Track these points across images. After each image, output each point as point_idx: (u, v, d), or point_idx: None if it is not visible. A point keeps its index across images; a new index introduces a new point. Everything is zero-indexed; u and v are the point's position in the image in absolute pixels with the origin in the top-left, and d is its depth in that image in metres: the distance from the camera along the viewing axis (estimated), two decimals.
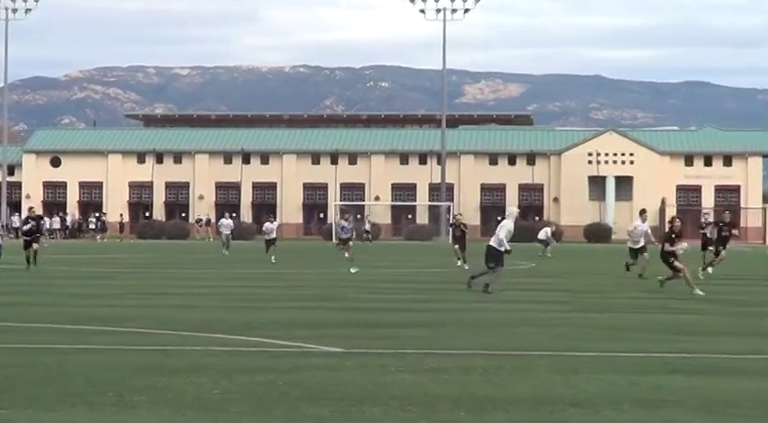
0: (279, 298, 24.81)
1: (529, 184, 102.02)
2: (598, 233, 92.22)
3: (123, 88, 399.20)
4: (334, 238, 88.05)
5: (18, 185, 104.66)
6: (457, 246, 41.18)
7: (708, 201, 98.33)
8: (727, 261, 36.25)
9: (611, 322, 19.40)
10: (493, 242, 26.89)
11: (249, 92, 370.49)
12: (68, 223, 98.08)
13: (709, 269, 33.88)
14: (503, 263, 26.74)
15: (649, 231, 34.78)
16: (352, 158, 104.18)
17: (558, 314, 20.90)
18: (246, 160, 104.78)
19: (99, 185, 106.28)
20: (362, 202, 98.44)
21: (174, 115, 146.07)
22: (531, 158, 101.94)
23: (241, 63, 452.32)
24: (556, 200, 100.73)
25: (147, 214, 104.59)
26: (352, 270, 36.59)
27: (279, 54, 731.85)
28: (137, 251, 60.02)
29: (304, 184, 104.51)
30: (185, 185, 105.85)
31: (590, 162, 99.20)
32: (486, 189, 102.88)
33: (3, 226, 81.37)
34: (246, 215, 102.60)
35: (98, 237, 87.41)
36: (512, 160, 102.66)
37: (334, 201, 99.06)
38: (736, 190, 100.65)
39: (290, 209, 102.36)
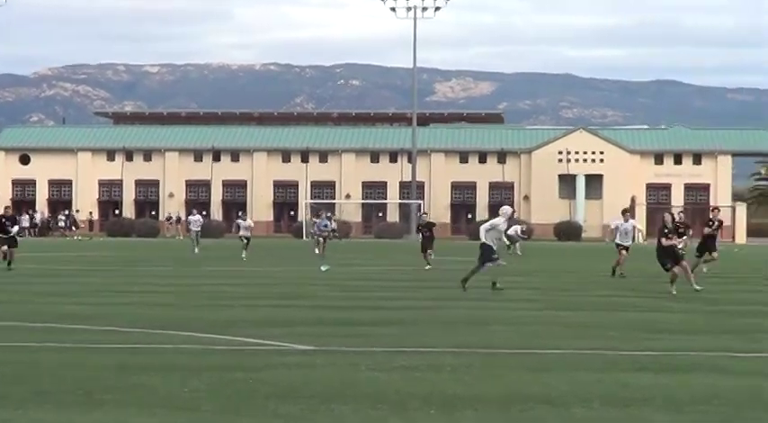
0: (249, 296, 24.78)
1: (499, 182, 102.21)
2: (568, 231, 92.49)
3: (93, 86, 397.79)
4: (305, 235, 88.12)
5: None
6: (429, 250, 39.95)
7: (677, 199, 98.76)
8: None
9: (581, 320, 19.46)
10: (487, 240, 26.76)
11: (219, 89, 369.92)
12: (37, 221, 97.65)
13: (703, 268, 33.05)
14: (490, 259, 26.66)
15: (636, 228, 34.48)
16: (323, 156, 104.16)
17: (529, 312, 20.95)
18: (217, 158, 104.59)
19: (68, 183, 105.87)
20: (333, 201, 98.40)
21: (144, 113, 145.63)
22: (501, 157, 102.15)
23: (211, 61, 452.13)
24: (526, 198, 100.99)
25: (117, 212, 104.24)
26: (323, 268, 36.58)
27: (249, 52, 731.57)
28: (106, 249, 59.79)
29: (274, 182, 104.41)
30: (155, 183, 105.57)
31: (560, 160, 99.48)
32: (456, 187, 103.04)
33: None
34: (217, 213, 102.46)
35: (75, 235, 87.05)
36: (482, 158, 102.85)
37: (304, 199, 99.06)
38: (705, 188, 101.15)
39: (261, 207, 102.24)
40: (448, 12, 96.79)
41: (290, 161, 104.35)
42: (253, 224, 48.12)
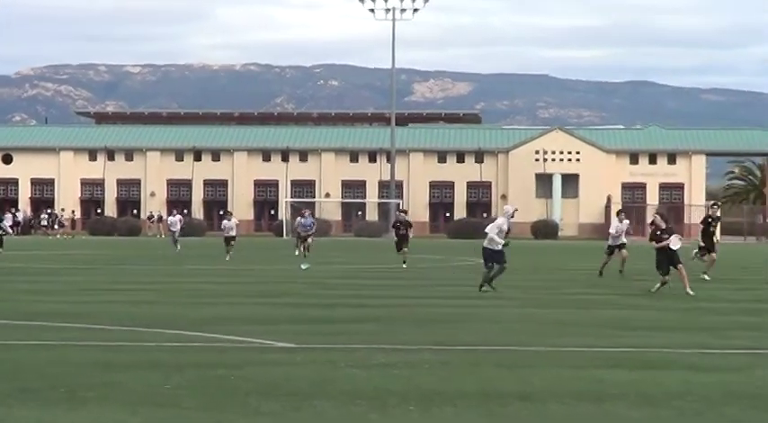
0: (231, 294, 24.78)
1: (477, 181, 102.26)
2: (545, 230, 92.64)
3: (75, 86, 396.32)
4: (285, 234, 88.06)
5: None
6: (404, 248, 39.02)
7: (652, 198, 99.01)
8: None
9: (557, 317, 19.52)
10: (485, 243, 26.21)
11: (200, 90, 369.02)
12: (20, 220, 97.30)
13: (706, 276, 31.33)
14: (504, 259, 25.94)
15: (629, 229, 33.69)
16: (303, 156, 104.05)
17: (506, 310, 21.01)
18: (198, 157, 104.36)
19: (51, 182, 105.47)
20: (313, 199, 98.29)
21: (126, 113, 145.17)
22: (479, 156, 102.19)
23: (192, 61, 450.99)
24: (503, 197, 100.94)
25: (99, 211, 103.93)
26: (303, 266, 36.58)
27: (230, 52, 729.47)
28: (89, 247, 59.63)
29: (255, 181, 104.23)
30: (137, 182, 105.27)
31: (537, 160, 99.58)
32: (434, 186, 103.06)
33: None
34: (198, 212, 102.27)
35: (57, 234, 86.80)
36: (460, 158, 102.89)
37: (284, 198, 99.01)
38: (679, 187, 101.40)
39: (241, 206, 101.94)
40: (426, 13, 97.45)
41: (270, 160, 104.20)
42: (235, 223, 47.24)
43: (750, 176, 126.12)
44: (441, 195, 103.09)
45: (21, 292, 24.89)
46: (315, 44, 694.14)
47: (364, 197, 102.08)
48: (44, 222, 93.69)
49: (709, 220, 32.06)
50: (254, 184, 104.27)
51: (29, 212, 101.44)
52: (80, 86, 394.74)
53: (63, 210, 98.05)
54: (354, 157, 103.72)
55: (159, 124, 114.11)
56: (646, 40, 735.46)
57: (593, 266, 34.33)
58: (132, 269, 36.83)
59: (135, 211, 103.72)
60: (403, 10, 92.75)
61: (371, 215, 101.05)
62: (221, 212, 50.41)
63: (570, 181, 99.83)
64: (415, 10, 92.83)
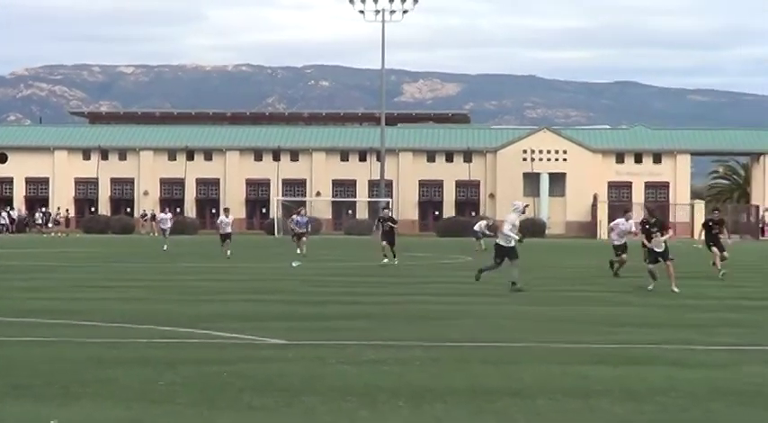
0: (223, 291, 24.73)
1: (465, 180, 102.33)
2: (533, 228, 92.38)
3: (69, 86, 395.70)
4: (277, 232, 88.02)
5: None
6: (385, 242, 38.87)
7: (638, 197, 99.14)
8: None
9: (544, 314, 19.52)
10: (499, 240, 26.12)
11: (193, 90, 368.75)
12: (14, 217, 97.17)
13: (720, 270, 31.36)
14: (516, 255, 25.87)
15: (633, 229, 33.34)
16: (294, 155, 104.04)
17: (494, 307, 21.00)
18: (190, 157, 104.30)
19: (45, 181, 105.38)
20: (304, 198, 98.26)
21: (119, 113, 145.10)
22: (467, 156, 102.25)
23: (185, 62, 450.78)
24: (492, 196, 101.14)
25: (93, 209, 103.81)
26: (294, 264, 36.56)
27: (222, 53, 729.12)
28: (83, 245, 59.53)
29: (247, 180, 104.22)
30: (130, 181, 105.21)
31: (525, 159, 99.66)
32: (424, 185, 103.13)
33: None
34: (190, 210, 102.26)
35: (51, 232, 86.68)
36: (449, 157, 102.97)
37: (276, 196, 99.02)
38: (665, 186, 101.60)
39: (233, 204, 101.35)
40: (415, 15, 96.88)
41: (261, 160, 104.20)
42: (231, 220, 46.84)
43: (734, 176, 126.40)
44: (430, 194, 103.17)
45: (15, 289, 24.83)
46: (306, 45, 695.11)
47: (354, 196, 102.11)
48: (39, 220, 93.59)
49: (710, 223, 32.08)
50: (246, 183, 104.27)
51: (23, 211, 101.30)
52: (74, 87, 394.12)
53: (59, 208, 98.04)
54: (345, 156, 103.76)
55: (152, 124, 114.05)
56: (632, 42, 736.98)
57: (580, 264, 34.40)
58: (125, 267, 36.76)
59: (128, 210, 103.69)
60: (392, 11, 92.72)
61: (362, 214, 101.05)
62: (224, 209, 49.20)
63: (557, 180, 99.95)
64: (405, 11, 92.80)
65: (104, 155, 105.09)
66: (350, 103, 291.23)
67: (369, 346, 14.32)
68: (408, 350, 14.00)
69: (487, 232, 58.77)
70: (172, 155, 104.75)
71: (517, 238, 25.95)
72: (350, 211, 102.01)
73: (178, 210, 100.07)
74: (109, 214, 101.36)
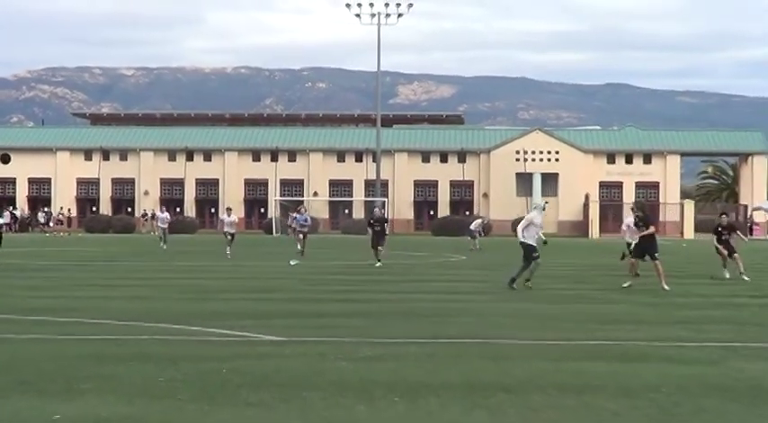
0: (223, 289, 24.71)
1: (460, 180, 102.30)
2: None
3: (71, 88, 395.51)
4: (275, 231, 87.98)
5: None
6: (379, 246, 37.38)
7: (629, 196, 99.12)
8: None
9: (538, 312, 19.52)
10: (528, 241, 25.34)
11: (193, 92, 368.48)
12: (17, 216, 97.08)
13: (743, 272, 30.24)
14: (532, 255, 25.27)
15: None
16: (292, 156, 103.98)
17: (489, 304, 21.00)
18: (190, 157, 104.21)
19: (48, 181, 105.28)
20: (301, 198, 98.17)
21: (120, 114, 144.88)
22: (461, 156, 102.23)
23: (185, 64, 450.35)
24: (485, 195, 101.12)
25: (95, 209, 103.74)
26: (291, 262, 36.53)
27: (221, 56, 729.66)
28: (84, 245, 59.48)
29: (245, 180, 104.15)
30: (131, 181, 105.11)
31: (517, 159, 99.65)
32: (419, 185, 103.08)
33: None
34: (190, 210, 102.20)
35: (54, 232, 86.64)
36: (443, 158, 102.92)
37: (274, 196, 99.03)
38: (655, 186, 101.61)
39: (232, 204, 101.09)
40: (410, 18, 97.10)
41: (260, 160, 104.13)
42: (237, 220, 45.94)
43: (723, 176, 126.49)
44: (425, 194, 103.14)
45: (18, 287, 24.80)
46: (303, 48, 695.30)
47: (351, 196, 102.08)
48: (41, 220, 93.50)
49: (719, 228, 31.30)
50: (245, 183, 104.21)
51: (26, 211, 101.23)
52: (76, 89, 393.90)
53: (61, 208, 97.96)
54: (341, 156, 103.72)
55: (153, 125, 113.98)
56: (623, 45, 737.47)
57: (573, 262, 34.33)
58: (126, 265, 36.73)
59: (129, 209, 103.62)
60: (388, 15, 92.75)
61: (358, 213, 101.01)
62: (227, 208, 48.31)
63: (549, 180, 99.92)
64: (400, 15, 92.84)
65: (106, 155, 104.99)
66: (346, 104, 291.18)
67: (365, 343, 14.31)
68: (404, 346, 14.00)
69: (482, 232, 58.84)
70: (172, 155, 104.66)
71: (535, 237, 25.43)
72: (347, 211, 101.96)
73: (178, 209, 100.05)
74: (110, 214, 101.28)
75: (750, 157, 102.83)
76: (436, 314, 18.77)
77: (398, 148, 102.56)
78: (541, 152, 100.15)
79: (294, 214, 47.48)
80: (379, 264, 36.06)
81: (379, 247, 37.41)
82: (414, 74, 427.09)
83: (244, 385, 10.77)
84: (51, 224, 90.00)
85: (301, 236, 46.06)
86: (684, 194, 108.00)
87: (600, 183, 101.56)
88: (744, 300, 22.79)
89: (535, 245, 25.36)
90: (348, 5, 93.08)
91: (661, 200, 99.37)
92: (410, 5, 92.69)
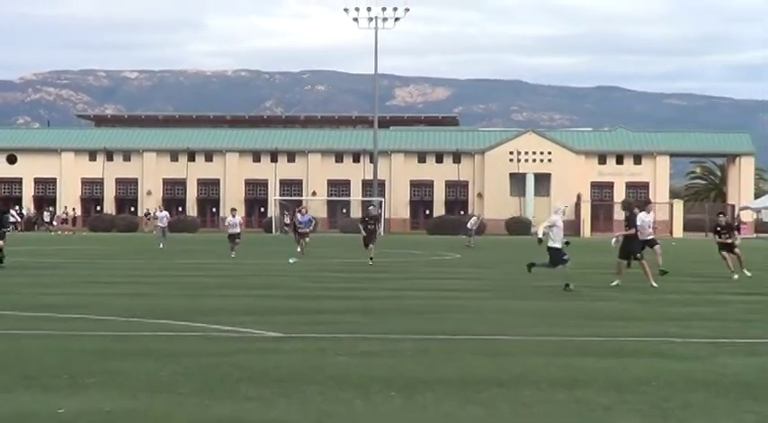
0: (224, 286, 24.70)
1: (455, 180, 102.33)
2: (519, 226, 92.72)
3: (75, 90, 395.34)
4: (274, 230, 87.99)
5: None
6: (371, 244, 36.89)
7: (619, 196, 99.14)
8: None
9: (531, 309, 19.52)
10: (555, 245, 24.95)
11: (194, 94, 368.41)
12: (24, 214, 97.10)
13: (745, 271, 30.39)
14: (557, 258, 24.82)
15: (655, 224, 32.11)
16: (291, 157, 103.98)
17: (483, 301, 21.00)
18: (192, 158, 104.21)
19: (53, 181, 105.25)
20: (300, 197, 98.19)
21: (124, 116, 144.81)
22: (456, 157, 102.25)
23: (187, 67, 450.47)
24: (480, 195, 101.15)
25: (99, 208, 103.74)
26: (291, 261, 36.50)
27: (222, 59, 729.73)
28: (88, 243, 59.44)
29: (245, 181, 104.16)
30: (134, 181, 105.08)
31: (511, 160, 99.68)
32: (415, 185, 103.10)
33: None
34: (192, 210, 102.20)
35: (59, 231, 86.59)
36: (439, 158, 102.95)
37: (273, 196, 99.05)
38: (645, 186, 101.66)
39: (233, 203, 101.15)
40: (407, 23, 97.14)
41: (260, 161, 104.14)
42: (241, 220, 45.30)
43: (711, 176, 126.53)
44: (421, 194, 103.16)
45: (24, 285, 24.79)
46: (302, 51, 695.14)
47: (349, 195, 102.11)
48: (46, 219, 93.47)
49: (717, 228, 31.14)
50: (245, 184, 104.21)
51: (32, 210, 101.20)
52: (80, 91, 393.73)
53: (66, 207, 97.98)
54: (339, 157, 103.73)
55: (155, 127, 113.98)
56: (614, 49, 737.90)
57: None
58: (130, 263, 36.71)
59: (132, 209, 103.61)
60: (385, 19, 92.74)
61: (355, 212, 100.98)
62: (231, 209, 47.33)
63: (542, 180, 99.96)
64: (397, 19, 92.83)
65: (109, 156, 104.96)
66: (344, 106, 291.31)
67: (363, 339, 14.31)
68: (401, 342, 13.99)
69: (476, 229, 58.82)
70: (174, 156, 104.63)
71: (555, 238, 25.02)
72: (344, 210, 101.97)
73: (180, 209, 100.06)
74: (114, 213, 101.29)
75: (737, 158, 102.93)
76: (432, 311, 18.76)
77: (395, 148, 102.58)
78: (534, 153, 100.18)
79: (297, 215, 47.12)
80: (371, 262, 35.74)
81: (371, 246, 36.99)
82: (410, 77, 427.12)
83: (244, 380, 10.77)
84: (55, 223, 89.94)
85: (307, 239, 44.96)
86: (673, 194, 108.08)
87: (591, 183, 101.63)
88: (729, 297, 22.80)
89: (560, 247, 25.04)
90: (346, 10, 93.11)
91: (651, 199, 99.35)
92: (406, 10, 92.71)
